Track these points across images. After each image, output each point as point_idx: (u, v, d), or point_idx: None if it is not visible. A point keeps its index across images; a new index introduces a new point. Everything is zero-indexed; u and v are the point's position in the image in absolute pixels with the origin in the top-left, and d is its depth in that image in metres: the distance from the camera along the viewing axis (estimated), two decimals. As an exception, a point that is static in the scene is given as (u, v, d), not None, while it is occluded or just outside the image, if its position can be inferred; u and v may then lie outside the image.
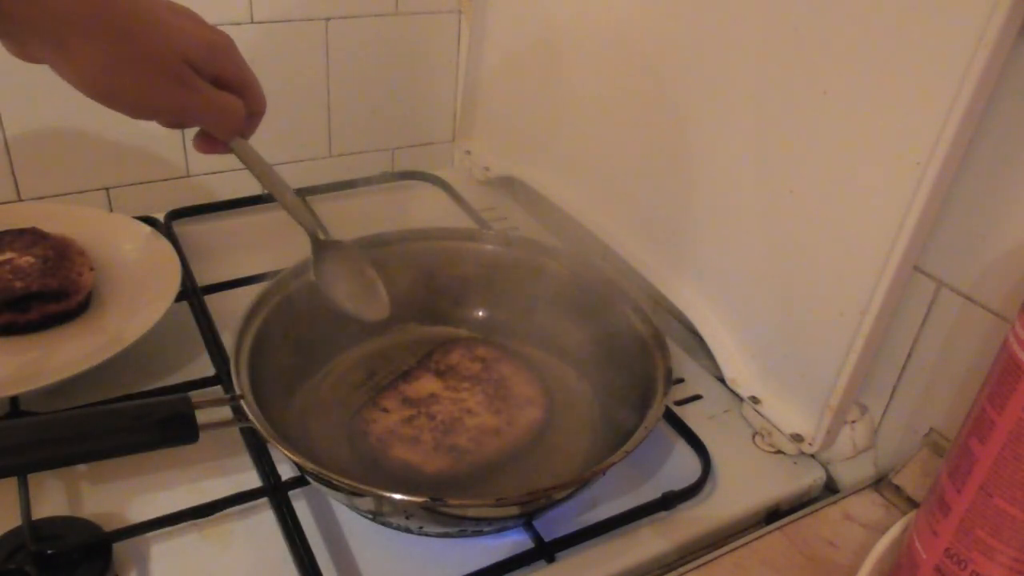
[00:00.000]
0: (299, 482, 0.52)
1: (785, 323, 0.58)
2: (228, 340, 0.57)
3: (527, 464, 0.56)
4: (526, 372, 0.62)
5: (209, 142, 0.51)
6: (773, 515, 0.57)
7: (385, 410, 0.57)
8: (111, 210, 0.84)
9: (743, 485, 0.57)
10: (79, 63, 0.42)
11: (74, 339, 0.63)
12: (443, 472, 0.53)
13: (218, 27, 0.49)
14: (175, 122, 0.48)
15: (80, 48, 0.41)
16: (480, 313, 0.69)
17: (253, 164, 0.53)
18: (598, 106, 0.74)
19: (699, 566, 0.49)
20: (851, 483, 0.58)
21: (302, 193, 0.85)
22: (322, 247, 0.58)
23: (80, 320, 0.65)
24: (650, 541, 0.52)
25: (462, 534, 0.51)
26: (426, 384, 0.60)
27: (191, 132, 0.84)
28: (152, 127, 0.84)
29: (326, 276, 0.57)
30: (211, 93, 0.47)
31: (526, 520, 0.51)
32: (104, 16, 0.42)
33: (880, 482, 0.55)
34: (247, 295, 0.68)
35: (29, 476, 0.51)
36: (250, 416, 0.49)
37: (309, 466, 0.46)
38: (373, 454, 0.54)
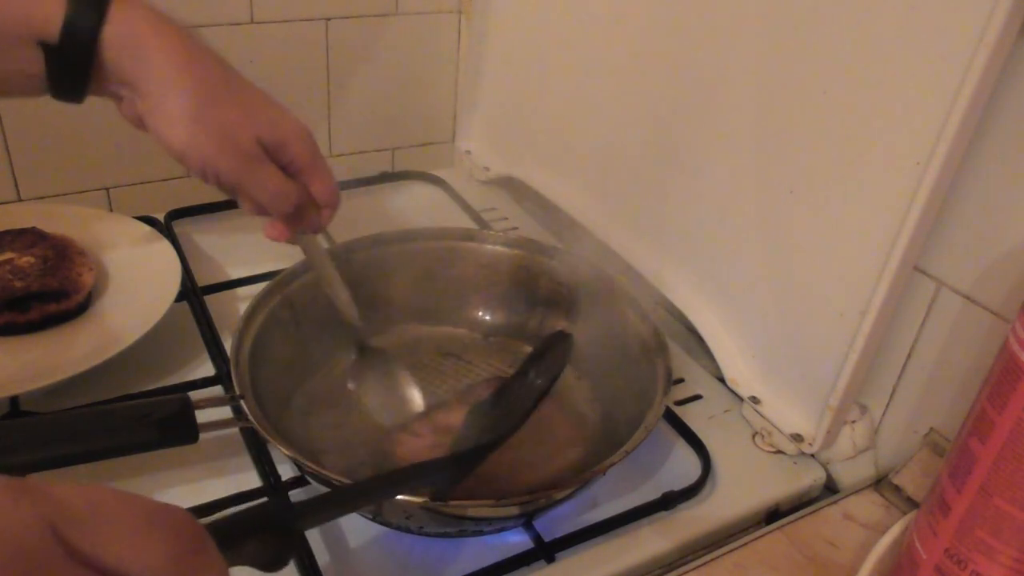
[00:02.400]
0: (299, 482, 0.52)
1: (785, 323, 0.58)
2: (228, 340, 0.57)
3: (527, 464, 0.56)
4: (566, 414, 0.61)
5: (277, 228, 0.55)
6: (773, 515, 0.57)
7: (416, 435, 0.57)
8: (111, 210, 0.84)
9: (743, 485, 0.57)
10: (169, 116, 0.47)
11: (74, 339, 0.63)
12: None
13: (295, 116, 0.52)
14: (231, 190, 0.52)
15: (175, 101, 0.47)
16: (480, 313, 0.69)
17: (315, 261, 0.58)
18: (598, 106, 0.74)
19: (699, 566, 0.49)
20: (851, 483, 0.58)
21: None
22: (365, 354, 0.60)
23: (80, 320, 0.65)
24: (650, 541, 0.52)
25: (462, 534, 0.51)
26: (459, 414, 0.58)
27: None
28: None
29: (363, 382, 0.60)
30: (271, 174, 0.51)
31: (526, 520, 0.51)
32: (200, 80, 0.47)
33: (880, 482, 0.55)
34: (247, 295, 0.68)
35: (29, 476, 0.51)
36: (250, 416, 0.49)
37: (309, 466, 0.46)
38: None
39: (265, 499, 0.49)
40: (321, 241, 0.60)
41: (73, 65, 0.46)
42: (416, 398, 0.60)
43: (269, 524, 0.32)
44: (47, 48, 0.45)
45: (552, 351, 0.57)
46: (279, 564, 0.33)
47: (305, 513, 0.37)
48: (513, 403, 0.53)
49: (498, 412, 0.52)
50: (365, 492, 0.43)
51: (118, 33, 0.46)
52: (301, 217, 0.55)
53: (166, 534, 0.26)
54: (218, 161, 0.49)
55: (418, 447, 0.56)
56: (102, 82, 0.48)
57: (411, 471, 0.46)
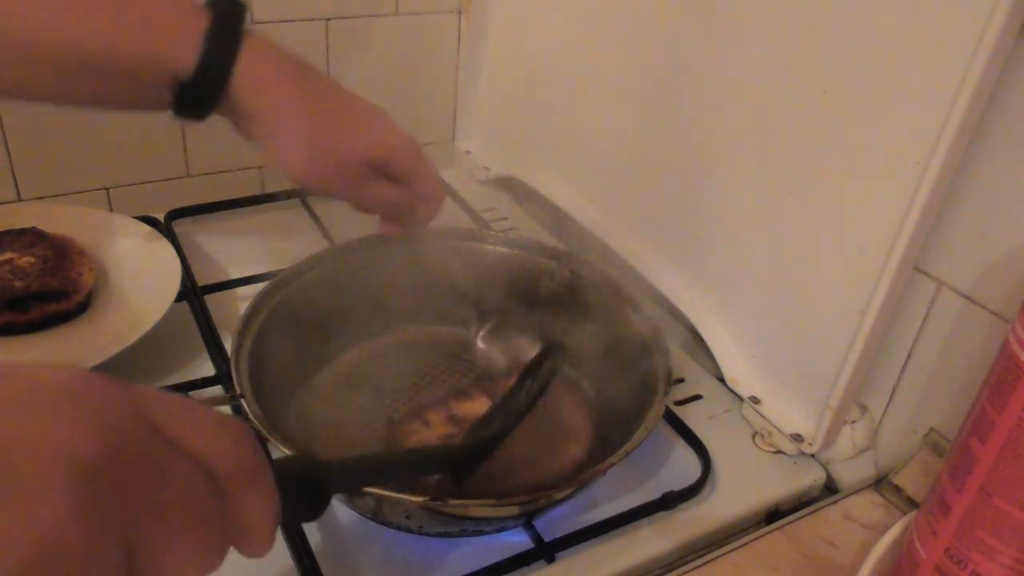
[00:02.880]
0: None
1: (785, 323, 0.58)
2: (228, 340, 0.57)
3: (527, 464, 0.56)
4: (582, 407, 0.61)
5: (390, 227, 0.60)
6: (773, 515, 0.57)
7: (427, 423, 0.57)
8: (111, 210, 0.84)
9: (743, 485, 0.57)
10: (290, 152, 0.52)
11: (74, 339, 0.63)
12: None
13: (398, 126, 0.57)
14: (346, 201, 0.57)
15: (294, 142, 0.52)
16: (480, 313, 0.69)
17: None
18: (598, 106, 0.74)
19: (699, 566, 0.49)
20: (851, 483, 0.58)
21: (302, 193, 0.85)
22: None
23: (80, 320, 0.65)
24: (650, 541, 0.52)
25: (462, 534, 0.51)
26: (477, 406, 0.59)
27: (191, 133, 0.85)
28: (151, 127, 0.84)
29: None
30: (380, 189, 0.56)
31: (526, 520, 0.51)
32: (314, 122, 0.52)
33: (880, 482, 0.55)
34: (247, 295, 0.68)
35: None
36: (250, 416, 0.49)
37: (309, 466, 0.46)
38: None
39: (296, 453, 0.48)
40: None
41: (202, 98, 0.50)
42: None
43: (303, 474, 0.34)
44: (180, 82, 0.49)
45: (545, 361, 0.57)
46: (308, 515, 0.35)
47: (334, 469, 0.38)
48: (507, 411, 0.53)
49: (497, 418, 0.53)
50: (389, 463, 0.44)
51: (246, 73, 0.49)
52: (410, 214, 0.59)
53: (235, 439, 0.28)
54: (332, 183, 0.54)
55: (428, 437, 0.56)
56: (226, 110, 0.52)
57: (427, 453, 0.49)
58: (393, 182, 0.57)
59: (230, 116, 0.53)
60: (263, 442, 0.35)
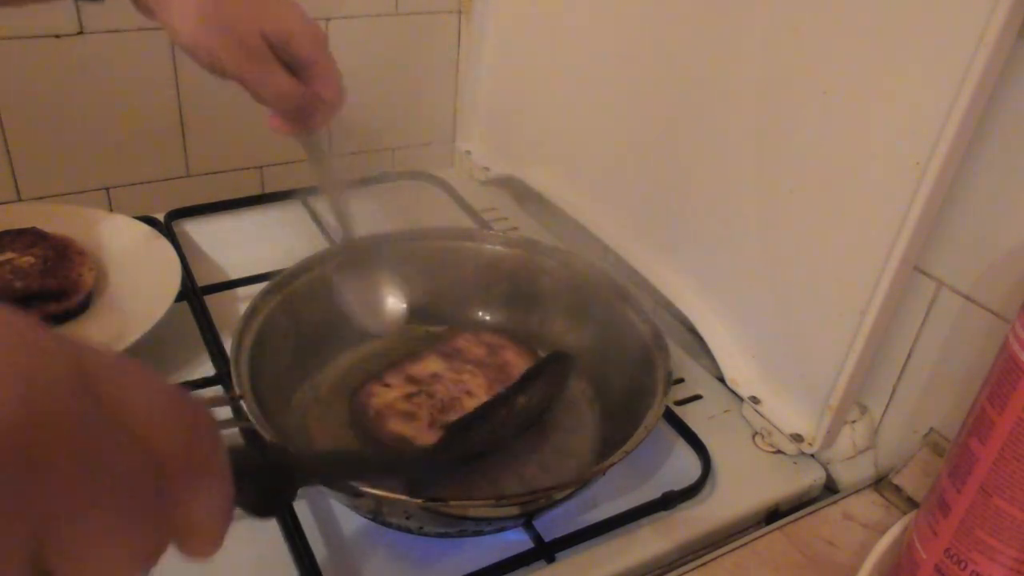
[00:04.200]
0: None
1: (785, 323, 0.58)
2: (228, 340, 0.57)
3: (527, 464, 0.56)
4: (530, 360, 0.62)
5: (278, 121, 0.56)
6: (773, 515, 0.57)
7: (387, 385, 0.58)
8: (111, 210, 0.84)
9: (743, 485, 0.57)
10: (177, 19, 0.49)
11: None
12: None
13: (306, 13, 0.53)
14: (241, 84, 0.53)
15: (180, 6, 0.49)
16: (480, 313, 0.69)
17: (315, 160, 0.59)
18: (598, 106, 0.74)
19: (699, 566, 0.49)
20: (851, 483, 0.58)
21: (303, 194, 0.85)
22: (351, 249, 0.61)
23: (80, 320, 0.65)
24: (650, 541, 0.52)
25: (462, 534, 0.51)
26: (430, 364, 0.60)
27: (191, 133, 0.85)
28: (151, 127, 0.84)
29: (344, 278, 0.61)
30: (274, 72, 0.52)
31: (526, 520, 0.51)
32: None
33: (880, 482, 0.55)
34: (247, 295, 0.68)
35: None
36: (250, 416, 0.49)
37: (309, 466, 0.46)
38: (370, 427, 0.55)
39: (264, 443, 0.48)
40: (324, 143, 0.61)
41: None
42: (398, 302, 0.62)
43: (266, 465, 0.31)
44: None
45: (550, 371, 0.57)
46: (269, 510, 0.32)
47: (302, 462, 0.36)
48: (500, 421, 0.53)
49: (483, 429, 0.53)
50: (361, 461, 0.43)
51: None
52: (305, 115, 0.56)
53: (189, 423, 0.24)
54: (222, 55, 0.50)
55: (390, 398, 0.57)
56: None
57: (401, 458, 0.48)
58: (291, 74, 0.53)
59: None
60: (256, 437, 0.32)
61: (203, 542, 0.26)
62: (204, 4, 0.49)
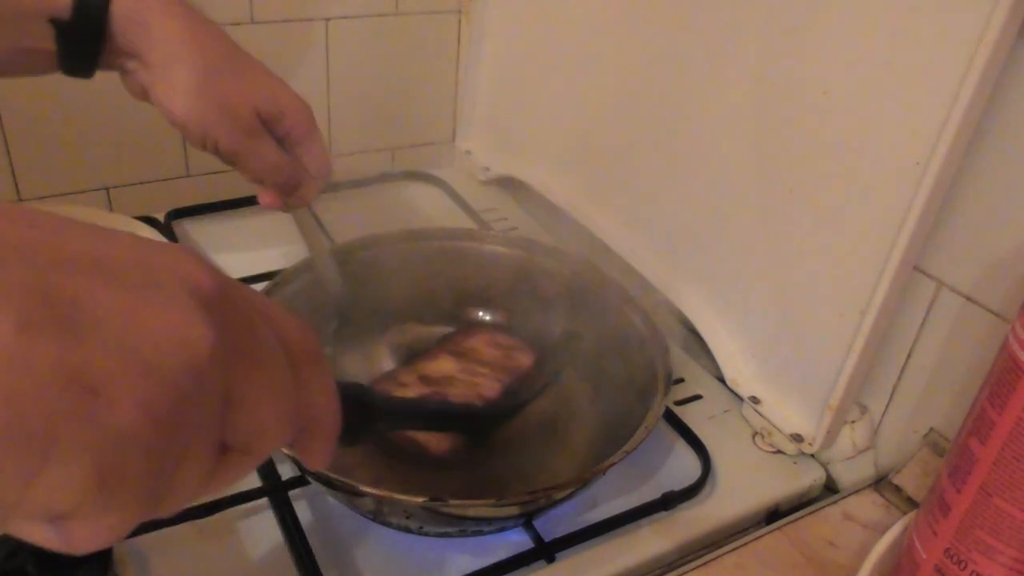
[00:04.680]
0: (299, 482, 0.52)
1: (785, 323, 0.58)
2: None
3: (527, 464, 0.56)
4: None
5: (270, 196, 0.58)
6: (773, 515, 0.57)
7: (402, 384, 0.58)
8: (111, 210, 0.84)
9: (743, 485, 0.57)
10: (171, 87, 0.50)
11: (74, 339, 0.62)
12: (446, 453, 0.54)
13: (294, 90, 0.55)
14: (229, 159, 0.55)
15: (177, 74, 0.50)
16: (480, 313, 0.69)
17: (306, 232, 0.61)
18: (597, 106, 0.74)
19: (699, 566, 0.49)
20: (851, 483, 0.58)
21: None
22: (345, 325, 0.63)
23: (80, 320, 0.64)
24: (650, 541, 0.52)
25: (462, 534, 0.51)
26: (443, 364, 0.60)
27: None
28: (151, 127, 0.84)
29: (342, 351, 0.62)
30: (266, 147, 0.54)
31: (526, 520, 0.51)
32: (201, 54, 0.50)
33: (880, 482, 0.55)
34: (247, 295, 0.68)
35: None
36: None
37: (309, 466, 0.46)
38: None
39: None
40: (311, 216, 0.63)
41: (84, 40, 0.48)
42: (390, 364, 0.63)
43: (348, 394, 0.33)
44: (58, 24, 0.47)
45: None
46: (350, 438, 0.35)
47: (379, 400, 0.39)
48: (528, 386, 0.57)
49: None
50: (425, 409, 0.49)
51: (126, 7, 0.48)
52: (295, 187, 0.58)
53: (302, 328, 0.28)
54: (217, 132, 0.52)
55: (407, 395, 0.57)
56: (111, 56, 0.50)
57: (457, 408, 0.54)
58: (281, 148, 0.55)
59: (118, 67, 0.51)
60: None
61: (322, 439, 0.29)
62: (199, 82, 0.50)
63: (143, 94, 0.52)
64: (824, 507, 0.54)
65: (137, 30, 0.49)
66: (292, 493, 0.52)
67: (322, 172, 0.58)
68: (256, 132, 0.53)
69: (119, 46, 0.49)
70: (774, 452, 0.60)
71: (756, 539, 0.51)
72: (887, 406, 0.58)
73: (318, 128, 0.57)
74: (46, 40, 0.48)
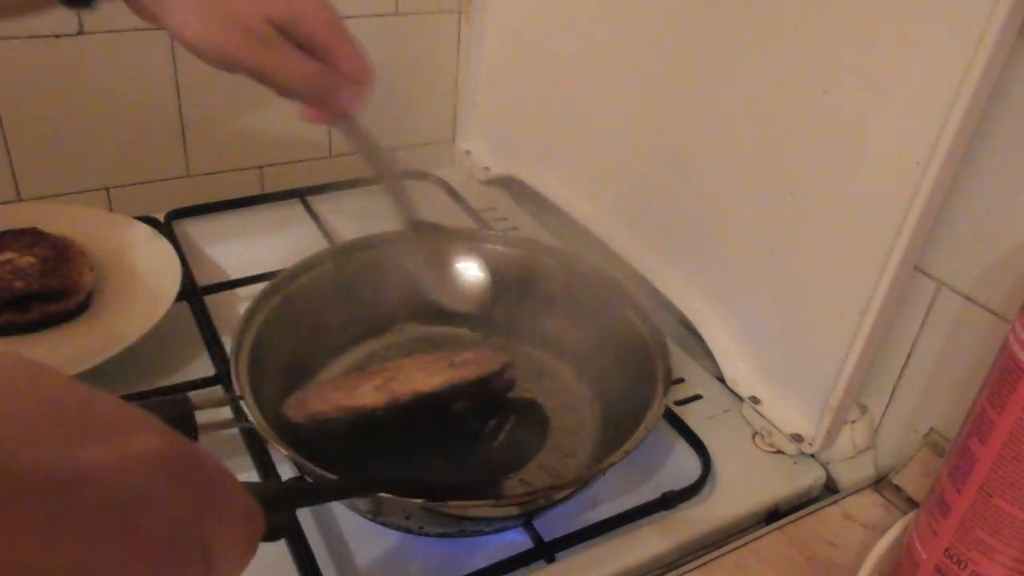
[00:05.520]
0: (299, 482, 0.52)
1: (785, 323, 0.58)
2: (228, 340, 0.57)
3: (527, 464, 0.56)
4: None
5: (309, 112, 0.53)
6: (773, 515, 0.57)
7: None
8: (111, 210, 0.84)
9: (743, 485, 0.57)
10: (178, 17, 0.48)
11: (74, 339, 0.63)
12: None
13: None
14: (258, 78, 0.50)
15: (179, 3, 0.47)
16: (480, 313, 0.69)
17: (358, 141, 0.56)
18: (598, 106, 0.74)
19: (699, 566, 0.49)
20: (851, 483, 0.58)
21: (302, 193, 0.85)
22: (418, 230, 0.59)
23: (80, 320, 0.65)
24: (650, 541, 0.52)
25: (462, 534, 0.51)
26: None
27: (191, 133, 0.85)
28: (151, 127, 0.84)
29: (417, 261, 0.59)
30: (288, 56, 0.49)
31: (526, 520, 0.51)
32: None
33: (880, 482, 0.55)
34: (247, 295, 0.68)
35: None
36: (250, 416, 0.49)
37: (308, 465, 0.46)
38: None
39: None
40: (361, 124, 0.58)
41: None
42: (479, 276, 0.60)
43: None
44: None
45: (526, 421, 0.57)
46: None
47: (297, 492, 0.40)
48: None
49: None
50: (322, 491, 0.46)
51: None
52: (333, 97, 0.53)
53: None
54: (231, 49, 0.48)
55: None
56: None
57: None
58: (310, 55, 0.50)
59: None
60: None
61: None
62: (202, 1, 0.48)
63: (153, 18, 0.50)
64: (824, 507, 0.54)
65: None
66: (292, 493, 0.52)
67: (360, 75, 0.53)
68: (273, 42, 0.49)
69: None
70: (774, 452, 0.60)
71: (756, 539, 0.51)
72: (887, 406, 0.58)
73: (345, 28, 0.52)
74: None
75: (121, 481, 0.23)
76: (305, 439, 0.51)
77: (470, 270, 0.61)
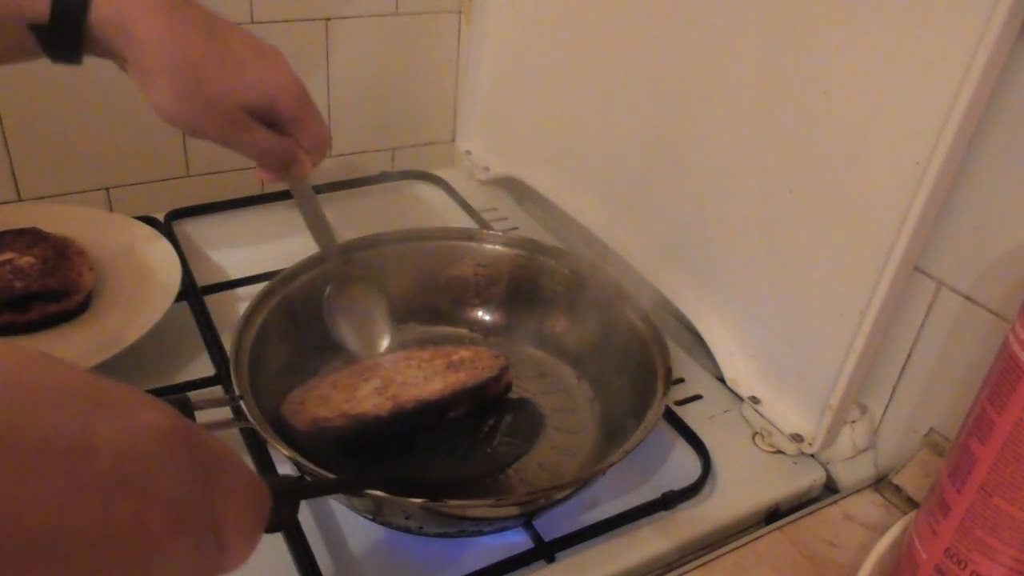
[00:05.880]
0: (299, 480, 0.52)
1: (785, 323, 0.58)
2: (228, 340, 0.57)
3: (527, 463, 0.56)
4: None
5: (266, 174, 0.58)
6: (773, 515, 0.57)
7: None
8: (111, 210, 0.84)
9: (743, 485, 0.57)
10: (156, 90, 0.50)
11: (74, 339, 0.63)
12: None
13: (286, 67, 0.55)
14: (228, 147, 0.55)
15: (160, 79, 0.50)
16: (480, 313, 0.69)
17: (302, 201, 0.61)
18: (597, 106, 0.74)
19: (699, 566, 0.49)
20: (851, 483, 0.58)
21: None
22: (343, 282, 0.63)
23: (80, 320, 0.65)
24: (650, 541, 0.52)
25: (462, 534, 0.51)
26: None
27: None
28: (151, 127, 0.84)
29: (336, 308, 0.62)
30: (256, 136, 0.54)
31: (526, 520, 0.51)
32: (184, 57, 0.50)
33: (880, 482, 0.55)
34: (247, 295, 0.68)
35: None
36: (250, 416, 0.49)
37: (309, 466, 0.46)
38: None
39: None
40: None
41: (65, 42, 0.49)
42: (387, 332, 0.64)
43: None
44: (37, 29, 0.48)
45: (520, 418, 0.56)
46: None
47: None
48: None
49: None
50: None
51: (107, 10, 0.48)
52: (290, 164, 0.57)
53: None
54: (205, 129, 0.52)
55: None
56: (98, 52, 0.51)
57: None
58: (275, 131, 0.55)
59: (109, 58, 0.51)
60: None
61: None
62: (184, 84, 0.50)
63: (137, 84, 0.53)
64: (824, 507, 0.54)
65: (118, 34, 0.49)
66: (292, 493, 0.52)
67: (318, 147, 0.58)
68: (243, 124, 0.53)
69: (102, 47, 0.50)
70: (774, 452, 0.60)
71: (756, 539, 0.51)
72: (887, 406, 0.58)
73: (312, 104, 0.57)
74: (28, 41, 0.48)
75: (131, 448, 0.25)
76: (305, 440, 0.51)
77: (378, 322, 0.64)
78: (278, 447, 0.47)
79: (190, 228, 0.80)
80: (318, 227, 0.62)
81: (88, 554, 0.23)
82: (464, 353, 0.58)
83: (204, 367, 0.62)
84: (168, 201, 0.82)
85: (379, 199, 0.91)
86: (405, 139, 0.99)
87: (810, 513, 0.53)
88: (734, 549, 0.50)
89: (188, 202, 0.82)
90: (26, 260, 0.65)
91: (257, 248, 0.78)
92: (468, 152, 0.94)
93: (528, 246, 0.69)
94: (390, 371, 0.57)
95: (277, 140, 0.55)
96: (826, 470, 0.59)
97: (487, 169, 0.91)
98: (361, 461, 0.52)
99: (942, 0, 0.44)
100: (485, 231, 0.77)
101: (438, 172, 0.94)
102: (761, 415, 0.60)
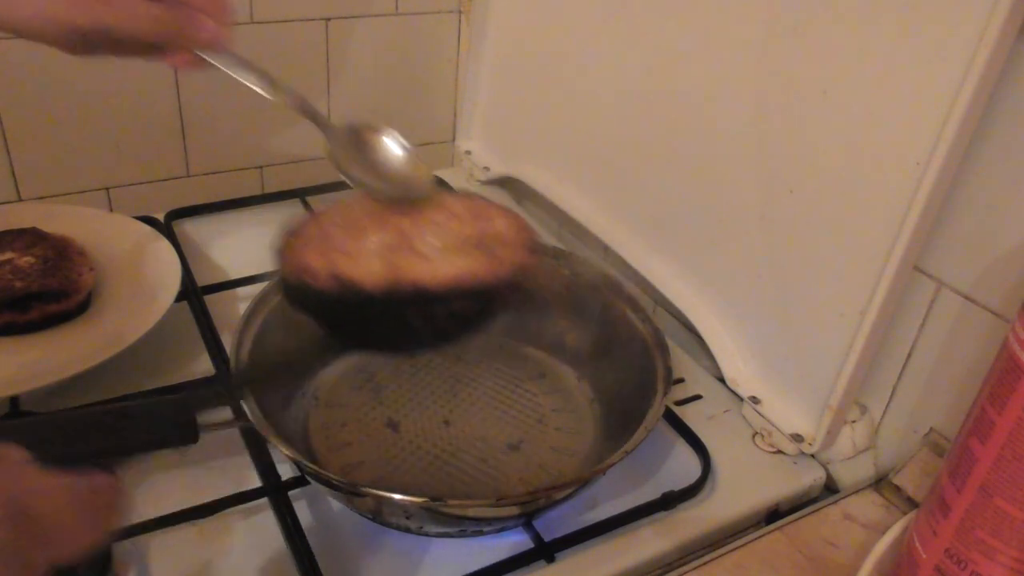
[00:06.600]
0: (299, 482, 0.52)
1: (785, 323, 0.58)
2: (228, 340, 0.57)
3: (527, 463, 0.56)
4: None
5: (175, 57, 0.48)
6: (773, 515, 0.57)
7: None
8: (111, 210, 0.84)
9: (743, 485, 0.57)
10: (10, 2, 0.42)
11: (74, 339, 0.63)
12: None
13: None
14: (105, 39, 0.45)
15: None
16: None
17: (236, 70, 0.50)
18: (598, 106, 0.74)
19: (699, 566, 0.49)
20: (851, 483, 0.58)
21: (302, 193, 0.85)
22: (334, 135, 0.55)
23: (80, 320, 0.65)
24: (650, 541, 0.52)
25: (462, 534, 0.51)
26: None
27: (191, 133, 0.85)
28: (151, 127, 0.84)
29: (344, 159, 0.54)
30: (125, 3, 0.44)
31: (526, 520, 0.51)
32: None
33: (880, 482, 0.55)
34: (247, 295, 0.68)
35: None
36: (250, 416, 0.49)
37: (309, 466, 0.46)
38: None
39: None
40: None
41: None
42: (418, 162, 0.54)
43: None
44: None
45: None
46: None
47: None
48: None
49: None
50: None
51: None
52: (190, 32, 0.47)
53: None
54: (63, 15, 0.43)
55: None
56: None
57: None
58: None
59: None
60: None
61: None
62: None
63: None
64: (824, 507, 0.54)
65: None
66: (292, 493, 0.52)
67: (213, 8, 0.47)
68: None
69: None
70: (774, 452, 0.60)
71: (756, 539, 0.51)
72: (887, 406, 0.58)
73: None
74: None
75: None
76: (290, 291, 0.47)
77: (395, 149, 0.55)
78: (278, 447, 0.47)
79: (190, 228, 0.80)
80: (264, 83, 0.51)
81: None
82: (500, 224, 0.49)
83: (204, 367, 0.62)
84: (168, 201, 0.82)
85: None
86: (405, 139, 0.99)
87: (810, 513, 0.53)
88: (734, 549, 0.50)
89: (188, 202, 0.82)
90: (26, 260, 0.65)
91: (257, 248, 0.77)
92: (468, 152, 0.94)
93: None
94: (410, 226, 0.48)
95: (155, 4, 0.45)
96: (826, 470, 0.59)
97: (487, 169, 0.91)
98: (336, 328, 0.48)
99: (942, 0, 0.44)
100: (485, 231, 0.76)
101: (438, 172, 0.94)
102: (761, 415, 0.60)
